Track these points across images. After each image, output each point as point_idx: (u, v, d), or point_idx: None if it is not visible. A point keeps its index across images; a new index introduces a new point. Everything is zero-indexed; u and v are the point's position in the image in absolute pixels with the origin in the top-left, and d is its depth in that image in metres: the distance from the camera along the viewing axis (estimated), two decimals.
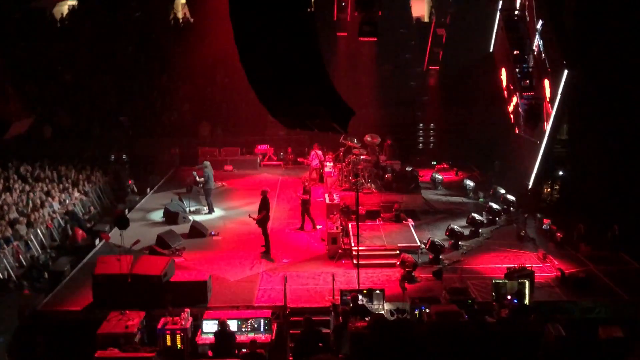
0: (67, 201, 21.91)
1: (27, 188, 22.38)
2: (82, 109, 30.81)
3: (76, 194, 22.72)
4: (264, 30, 11.35)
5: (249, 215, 19.03)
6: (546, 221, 19.70)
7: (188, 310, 13.99)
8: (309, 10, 10.96)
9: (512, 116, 25.02)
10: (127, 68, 32.31)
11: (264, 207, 18.50)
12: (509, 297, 14.29)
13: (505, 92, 25.36)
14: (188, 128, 30.70)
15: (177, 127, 30.61)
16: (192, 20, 34.73)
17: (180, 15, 35.97)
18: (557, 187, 22.99)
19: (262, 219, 18.43)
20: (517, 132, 24.68)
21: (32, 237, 18.77)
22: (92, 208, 22.67)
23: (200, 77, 32.40)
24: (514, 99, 24.08)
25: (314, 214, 20.78)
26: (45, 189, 22.51)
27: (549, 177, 23.03)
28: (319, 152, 26.07)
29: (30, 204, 20.90)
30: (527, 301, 14.44)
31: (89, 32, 32.66)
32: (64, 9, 35.42)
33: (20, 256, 17.88)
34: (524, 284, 14.53)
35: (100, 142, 29.28)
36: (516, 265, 15.87)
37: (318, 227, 20.33)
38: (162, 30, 34.04)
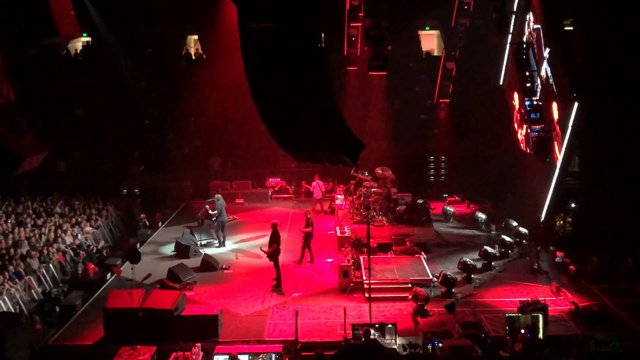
0: (79, 235, 21.99)
1: (40, 222, 22.50)
2: (95, 144, 31.12)
3: (88, 228, 22.81)
4: (275, 66, 11.51)
5: (260, 249, 19.04)
6: (559, 254, 19.62)
7: (199, 344, 13.95)
8: (319, 45, 11.11)
9: (522, 139, 24.78)
10: (139, 102, 32.71)
11: (275, 239, 18.49)
12: (522, 331, 14.17)
13: (517, 116, 25.15)
14: (200, 161, 30.87)
15: (189, 161, 30.79)
16: (204, 56, 35.12)
17: (192, 51, 36.41)
18: (569, 219, 22.81)
19: (273, 252, 18.40)
20: (528, 151, 24.37)
21: (44, 271, 18.82)
22: (103, 242, 22.72)
23: (212, 111, 32.73)
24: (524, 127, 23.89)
25: (322, 247, 20.72)
26: (57, 223, 22.61)
27: (562, 210, 22.86)
28: (320, 183, 26.12)
29: (43, 238, 20.99)
30: (541, 335, 14.32)
31: (102, 67, 33.14)
32: (77, 45, 35.97)
33: (32, 290, 17.93)
34: (537, 317, 14.44)
35: (113, 176, 29.48)
36: (529, 299, 15.77)
37: (328, 260, 20.28)
38: (175, 66, 34.48)
